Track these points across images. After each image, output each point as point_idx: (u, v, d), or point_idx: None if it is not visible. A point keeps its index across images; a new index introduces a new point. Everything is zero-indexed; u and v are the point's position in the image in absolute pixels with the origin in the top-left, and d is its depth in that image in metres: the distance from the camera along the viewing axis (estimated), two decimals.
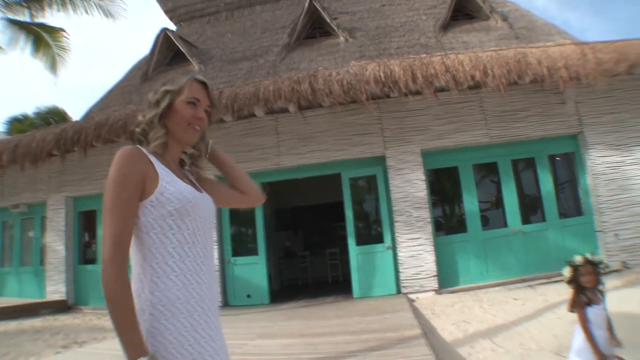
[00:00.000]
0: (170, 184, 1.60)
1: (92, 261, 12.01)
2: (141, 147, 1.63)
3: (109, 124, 10.24)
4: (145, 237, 1.55)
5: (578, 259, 3.44)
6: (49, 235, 11.89)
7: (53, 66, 10.88)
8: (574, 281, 3.47)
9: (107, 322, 9.46)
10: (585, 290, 3.42)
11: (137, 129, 1.73)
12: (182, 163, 1.88)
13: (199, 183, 1.87)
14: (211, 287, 1.69)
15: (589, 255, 3.42)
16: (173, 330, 1.49)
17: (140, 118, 1.73)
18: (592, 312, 3.36)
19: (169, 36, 15.16)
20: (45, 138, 10.96)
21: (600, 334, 3.32)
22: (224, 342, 1.72)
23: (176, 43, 15.14)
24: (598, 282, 3.44)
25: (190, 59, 14.83)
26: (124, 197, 1.51)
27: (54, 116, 25.39)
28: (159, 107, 1.69)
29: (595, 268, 3.41)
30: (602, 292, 3.48)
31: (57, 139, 10.74)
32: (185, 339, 1.51)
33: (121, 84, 16.25)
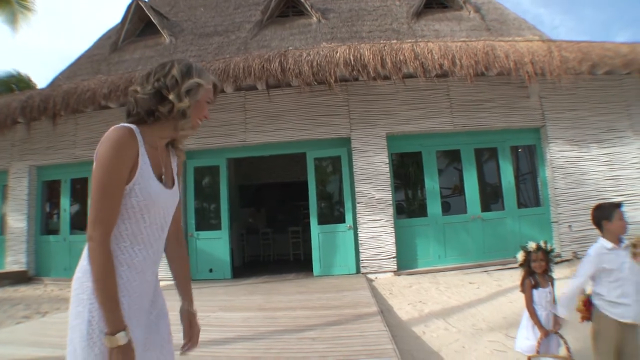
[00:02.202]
0: (143, 180, 1.66)
1: (55, 232, 11.77)
2: (134, 130, 1.66)
3: (77, 94, 10.04)
4: None
5: (531, 245, 3.76)
6: (11, 205, 11.63)
7: (14, 21, 10.57)
8: (525, 265, 3.79)
9: (68, 292, 9.36)
10: (535, 274, 3.75)
11: (163, 109, 1.71)
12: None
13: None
14: (151, 276, 1.78)
15: (541, 243, 3.74)
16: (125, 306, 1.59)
17: (172, 99, 1.69)
18: (538, 294, 3.71)
19: (140, 6, 14.91)
20: (10, 105, 10.69)
21: (544, 314, 3.67)
22: (163, 323, 1.84)
23: (148, 14, 14.91)
24: (547, 268, 3.77)
25: (162, 31, 14.66)
26: (116, 181, 1.58)
27: (15, 82, 24.60)
28: (192, 98, 1.73)
29: (545, 255, 3.73)
30: (551, 278, 3.80)
31: (23, 107, 10.48)
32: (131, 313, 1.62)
33: (90, 53, 15.95)
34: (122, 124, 1.66)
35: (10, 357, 4.31)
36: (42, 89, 12.35)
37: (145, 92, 1.71)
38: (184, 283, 2.00)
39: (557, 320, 3.67)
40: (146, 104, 1.70)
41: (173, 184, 1.86)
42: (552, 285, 3.77)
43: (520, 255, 3.80)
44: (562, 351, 3.59)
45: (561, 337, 3.61)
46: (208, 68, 9.39)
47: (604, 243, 3.40)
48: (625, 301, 3.30)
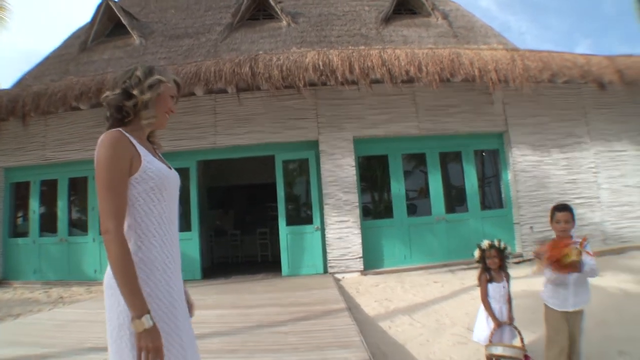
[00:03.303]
0: (150, 163, 1.88)
1: (24, 234, 11.61)
2: (122, 130, 1.87)
3: (48, 95, 10.02)
4: (131, 208, 1.82)
5: (485, 243, 4.08)
6: None
7: None
8: (481, 261, 4.12)
9: (40, 295, 9.39)
10: (490, 270, 4.07)
11: (128, 103, 1.92)
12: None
13: None
14: (177, 248, 2.00)
15: (495, 242, 4.06)
16: (151, 284, 1.80)
17: (136, 93, 1.92)
18: (493, 288, 4.03)
19: (110, 6, 14.75)
20: None
21: (498, 307, 3.98)
22: (184, 293, 2.06)
23: (118, 14, 14.82)
24: (501, 264, 4.08)
25: (131, 32, 14.55)
26: (118, 176, 1.77)
27: None
28: (153, 92, 1.95)
29: (499, 253, 4.06)
30: (507, 274, 4.10)
31: None
32: (160, 290, 1.82)
33: (58, 52, 15.74)
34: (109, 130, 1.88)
35: None
36: (11, 89, 12.20)
37: (114, 94, 1.94)
38: None
39: (510, 314, 3.97)
40: (115, 102, 1.93)
41: (170, 167, 2.07)
42: (508, 280, 4.06)
43: (476, 253, 4.12)
44: (517, 342, 3.85)
45: (516, 328, 3.90)
46: (179, 71, 9.51)
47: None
48: (561, 292, 3.58)
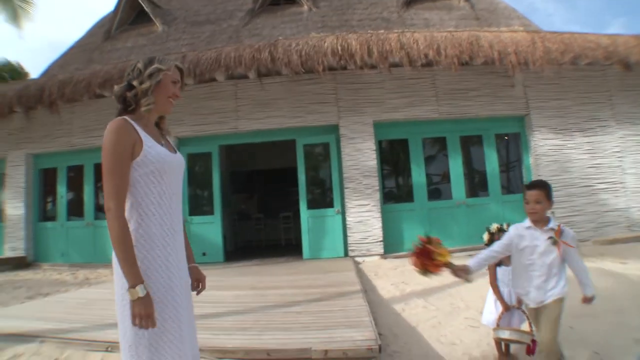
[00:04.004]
0: (151, 148, 2.03)
1: (52, 218, 12.02)
2: (127, 118, 2.03)
3: (73, 83, 10.27)
4: (132, 189, 1.99)
5: (493, 226, 4.06)
6: (8, 193, 11.85)
7: (16, 18, 10.61)
8: (490, 244, 3.97)
9: (67, 276, 9.68)
10: None
11: (129, 94, 2.09)
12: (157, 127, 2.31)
13: None
14: (179, 226, 2.18)
15: (504, 225, 3.98)
16: (150, 258, 1.98)
17: (135, 84, 2.09)
18: (501, 271, 3.99)
19: None
20: (6, 94, 10.91)
21: (506, 290, 3.96)
22: (186, 268, 2.26)
23: (140, 2, 15.01)
24: None
25: (154, 19, 14.78)
26: (120, 160, 1.93)
27: (8, 70, 24.61)
28: (152, 80, 2.10)
29: None
30: None
31: (19, 96, 10.70)
32: (159, 264, 2.00)
33: (83, 42, 16.05)
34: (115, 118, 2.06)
35: (20, 329, 4.65)
36: (38, 79, 12.51)
37: (120, 87, 2.14)
38: (186, 246, 2.33)
39: (520, 297, 3.95)
40: (119, 93, 2.13)
41: (175, 151, 2.24)
42: None
43: (485, 236, 4.11)
44: (525, 326, 3.81)
45: (524, 312, 3.82)
46: (199, 57, 9.63)
47: (525, 222, 3.30)
48: (526, 285, 3.29)
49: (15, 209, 11.69)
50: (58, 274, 10.09)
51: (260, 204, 16.41)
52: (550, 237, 3.13)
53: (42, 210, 12.24)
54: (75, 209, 11.79)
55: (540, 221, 3.18)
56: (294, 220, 13.33)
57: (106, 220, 1.89)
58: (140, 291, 1.82)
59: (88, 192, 11.49)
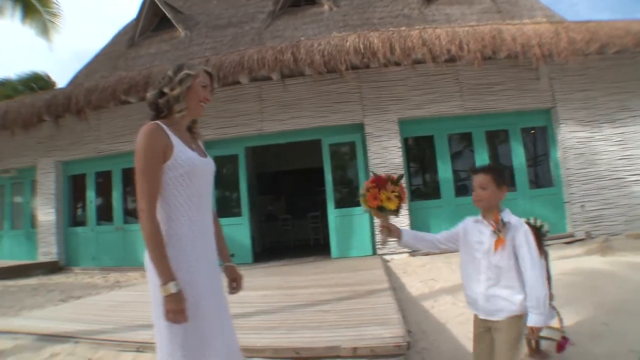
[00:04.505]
0: (182, 152, 2.08)
1: (82, 223, 12.28)
2: (159, 123, 2.09)
3: (98, 90, 10.48)
4: (163, 191, 2.05)
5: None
6: (40, 199, 12.14)
7: (45, 32, 10.83)
8: None
9: (98, 280, 9.89)
10: None
11: (161, 101, 2.16)
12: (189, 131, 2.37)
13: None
14: (210, 229, 2.25)
15: (531, 220, 3.91)
16: (180, 257, 2.03)
17: (166, 91, 2.15)
18: None
19: (154, 2, 15.19)
20: (35, 104, 11.19)
21: None
22: (218, 267, 2.30)
23: (162, 9, 15.20)
24: (539, 243, 3.94)
25: (176, 25, 14.94)
26: (153, 164, 2.00)
27: (36, 81, 25.17)
28: (183, 86, 2.15)
29: (535, 231, 3.91)
30: (545, 253, 3.94)
31: (48, 105, 10.97)
32: (189, 263, 2.04)
33: (107, 50, 16.31)
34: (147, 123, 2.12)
35: (54, 330, 4.80)
36: (65, 88, 12.77)
37: (152, 94, 2.20)
38: (221, 245, 2.43)
39: (550, 293, 3.83)
40: (151, 100, 2.19)
41: (205, 155, 2.29)
42: (546, 259, 3.92)
43: None
44: (555, 323, 3.73)
45: (554, 308, 3.77)
46: (222, 61, 9.72)
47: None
48: (474, 290, 2.72)
49: (47, 215, 11.96)
50: (89, 278, 10.32)
51: (288, 204, 16.45)
52: (492, 231, 2.61)
53: (72, 215, 12.50)
54: (104, 214, 12.00)
55: (489, 212, 2.67)
56: (322, 220, 13.33)
57: (139, 221, 1.97)
58: (172, 287, 1.89)
59: (116, 196, 11.70)
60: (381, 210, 2.65)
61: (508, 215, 2.61)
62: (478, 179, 2.68)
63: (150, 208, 1.97)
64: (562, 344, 3.61)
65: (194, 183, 2.11)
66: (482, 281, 2.60)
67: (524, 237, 2.52)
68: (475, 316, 2.77)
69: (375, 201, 2.61)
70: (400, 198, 2.64)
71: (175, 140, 2.08)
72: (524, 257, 2.50)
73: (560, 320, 3.71)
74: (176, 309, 1.90)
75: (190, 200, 2.10)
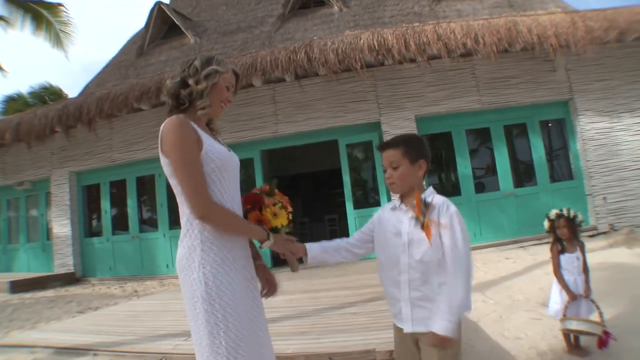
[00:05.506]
0: (211, 146, 1.96)
1: (98, 234, 12.22)
2: (182, 115, 1.96)
3: (110, 99, 10.42)
4: None
5: (553, 213, 3.92)
6: (54, 211, 12.12)
7: (58, 43, 10.78)
8: (551, 232, 3.96)
9: (116, 290, 9.82)
10: (562, 241, 3.91)
11: (184, 92, 2.01)
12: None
13: None
14: None
15: (564, 211, 3.87)
16: (219, 260, 1.89)
17: (191, 83, 2.00)
18: (565, 259, 3.86)
19: (163, 9, 15.19)
20: (47, 115, 11.14)
21: (571, 278, 3.80)
22: (254, 269, 2.16)
23: (171, 16, 15.20)
24: (573, 234, 3.88)
25: (186, 32, 14.94)
26: (192, 155, 1.87)
27: (48, 94, 25.36)
28: (209, 81, 2.01)
29: (568, 222, 3.83)
30: (581, 244, 3.91)
31: (60, 116, 10.92)
32: (228, 267, 1.92)
33: (117, 59, 16.34)
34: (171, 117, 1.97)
35: (72, 342, 4.71)
36: (76, 98, 12.76)
37: (173, 82, 2.04)
38: (251, 243, 2.24)
39: (587, 286, 3.77)
40: (172, 90, 2.02)
41: (229, 150, 2.17)
42: (582, 251, 3.88)
43: (546, 224, 3.98)
44: (594, 317, 3.62)
45: (593, 302, 3.68)
46: (235, 64, 9.62)
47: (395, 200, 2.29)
48: (397, 297, 2.12)
49: (62, 227, 11.92)
50: (107, 288, 10.26)
51: (305, 207, 16.34)
52: (413, 217, 2.06)
53: (87, 226, 12.46)
54: (119, 223, 11.94)
55: (409, 195, 2.13)
56: (339, 223, 13.19)
57: (208, 222, 1.88)
58: (272, 239, 1.99)
59: (131, 205, 11.62)
60: (276, 232, 2.08)
61: (432, 194, 2.10)
62: (386, 156, 2.16)
63: (206, 198, 1.86)
64: (604, 339, 3.48)
65: (225, 178, 2.00)
66: (403, 284, 2.06)
67: (449, 219, 1.99)
68: (399, 329, 2.15)
69: (265, 225, 2.05)
70: (285, 208, 2.15)
71: (202, 134, 1.95)
72: (445, 245, 1.97)
73: (600, 314, 3.59)
74: (286, 249, 2.07)
75: (223, 197, 1.97)
